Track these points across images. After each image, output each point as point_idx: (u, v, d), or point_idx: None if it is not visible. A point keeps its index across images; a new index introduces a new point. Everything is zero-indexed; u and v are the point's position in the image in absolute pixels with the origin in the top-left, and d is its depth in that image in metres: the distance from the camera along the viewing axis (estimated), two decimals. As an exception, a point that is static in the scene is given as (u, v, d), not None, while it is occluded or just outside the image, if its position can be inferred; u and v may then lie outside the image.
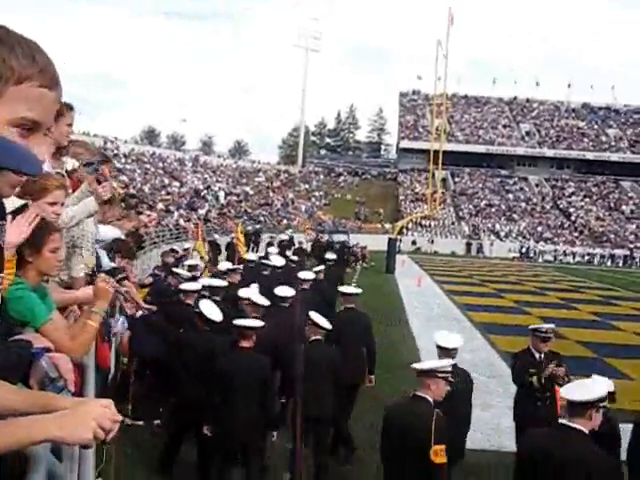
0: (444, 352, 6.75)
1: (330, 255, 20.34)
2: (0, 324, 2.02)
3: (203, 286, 9.63)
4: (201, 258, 16.90)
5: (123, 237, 6.77)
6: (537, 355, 7.75)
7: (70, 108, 4.17)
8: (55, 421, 1.59)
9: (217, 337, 7.70)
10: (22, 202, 3.09)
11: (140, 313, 8.44)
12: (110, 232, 6.44)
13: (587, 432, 4.51)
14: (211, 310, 7.68)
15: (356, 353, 9.00)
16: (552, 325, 8.06)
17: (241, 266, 14.66)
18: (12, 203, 3.08)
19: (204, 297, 8.84)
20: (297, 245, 33.22)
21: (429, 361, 5.76)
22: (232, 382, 6.77)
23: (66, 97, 4.30)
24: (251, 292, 9.25)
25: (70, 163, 4.25)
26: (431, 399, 5.27)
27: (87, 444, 1.61)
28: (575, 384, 4.98)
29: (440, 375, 5.34)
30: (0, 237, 1.28)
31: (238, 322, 7.11)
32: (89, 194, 4.24)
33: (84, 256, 4.55)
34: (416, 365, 5.57)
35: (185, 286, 9.36)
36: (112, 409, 1.70)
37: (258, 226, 45.19)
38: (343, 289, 9.99)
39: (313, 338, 7.54)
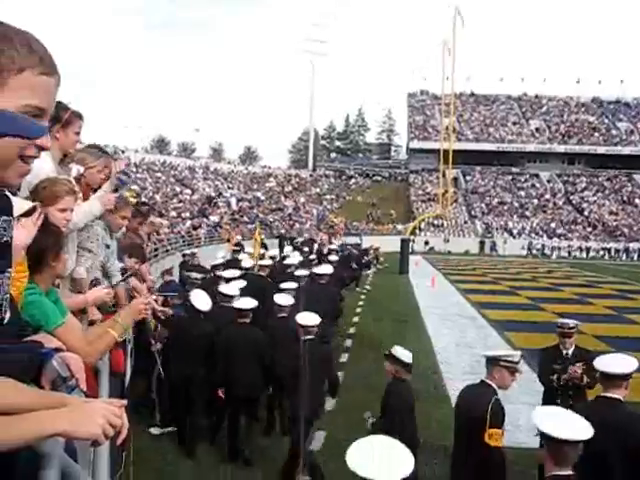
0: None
1: (332, 257, 20.19)
2: (12, 325, 2.05)
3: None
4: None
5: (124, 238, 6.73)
6: (564, 352, 7.64)
7: (79, 116, 4.20)
8: (64, 416, 1.61)
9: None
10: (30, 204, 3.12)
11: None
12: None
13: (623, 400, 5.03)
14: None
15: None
16: (573, 321, 7.85)
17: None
18: (21, 206, 3.11)
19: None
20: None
21: (498, 350, 6.21)
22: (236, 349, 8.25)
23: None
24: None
25: (75, 169, 4.27)
26: (495, 386, 5.58)
27: (96, 440, 1.63)
28: (610, 357, 5.37)
29: (502, 364, 5.58)
30: (8, 233, 1.31)
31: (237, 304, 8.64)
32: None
33: (89, 258, 4.56)
34: (486, 352, 5.99)
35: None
36: (121, 409, 1.72)
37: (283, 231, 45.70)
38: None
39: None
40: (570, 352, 7.58)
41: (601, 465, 4.78)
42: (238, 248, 19.31)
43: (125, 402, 1.83)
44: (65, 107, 4.15)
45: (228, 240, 28.19)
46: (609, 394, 5.08)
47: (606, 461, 4.82)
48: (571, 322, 7.76)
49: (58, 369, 2.03)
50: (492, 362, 5.66)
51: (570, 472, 3.84)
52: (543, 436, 3.93)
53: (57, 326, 2.91)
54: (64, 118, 4.09)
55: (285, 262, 16.54)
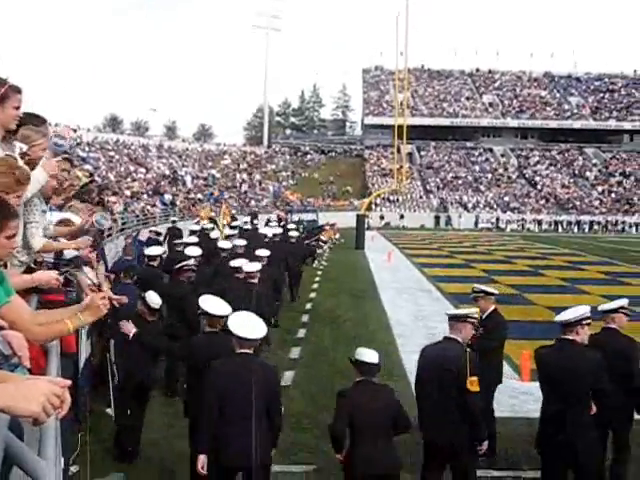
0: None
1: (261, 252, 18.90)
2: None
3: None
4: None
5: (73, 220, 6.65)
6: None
7: (17, 90, 4.06)
8: (3, 391, 1.59)
9: None
10: None
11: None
12: (71, 217, 6.35)
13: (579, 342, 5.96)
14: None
15: None
16: (484, 287, 8.66)
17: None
18: None
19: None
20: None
21: (461, 309, 6.70)
22: None
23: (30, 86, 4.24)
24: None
25: (18, 147, 4.17)
26: (461, 340, 6.18)
27: (37, 418, 1.61)
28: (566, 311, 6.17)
29: (469, 320, 6.26)
30: None
31: None
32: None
33: (36, 227, 4.48)
34: (449, 311, 6.57)
35: None
36: (62, 388, 1.70)
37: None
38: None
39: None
40: (484, 316, 8.01)
41: None
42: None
43: (68, 382, 1.81)
44: (2, 82, 4.01)
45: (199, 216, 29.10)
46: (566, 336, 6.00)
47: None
48: (482, 287, 8.53)
49: (0, 347, 2.00)
50: (460, 319, 6.25)
51: None
52: None
53: (1, 305, 2.86)
54: (0, 93, 3.96)
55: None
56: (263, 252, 13.27)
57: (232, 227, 20.51)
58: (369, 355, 5.94)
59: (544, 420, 6.21)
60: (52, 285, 4.00)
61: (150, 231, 19.33)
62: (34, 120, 4.62)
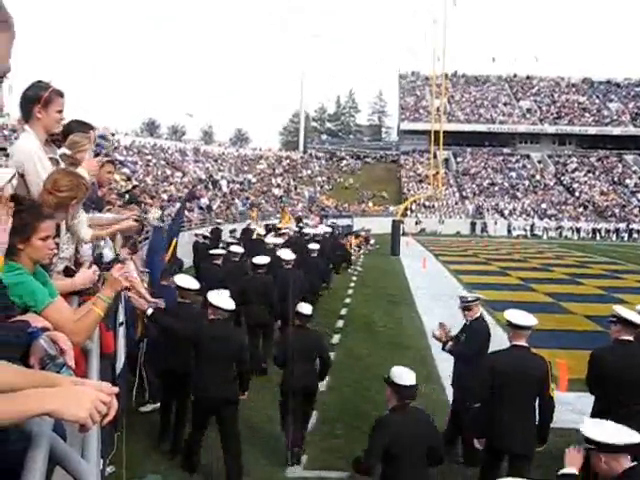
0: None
1: (313, 246, 18.41)
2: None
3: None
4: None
5: None
6: (464, 320, 8.36)
7: (60, 94, 4.14)
8: (52, 395, 1.61)
9: None
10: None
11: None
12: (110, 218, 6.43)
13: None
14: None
15: None
16: (473, 295, 8.64)
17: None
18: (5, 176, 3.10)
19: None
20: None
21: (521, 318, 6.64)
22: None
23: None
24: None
25: (61, 150, 4.24)
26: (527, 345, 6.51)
27: (83, 424, 1.63)
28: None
29: (532, 329, 6.55)
30: None
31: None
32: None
33: (81, 222, 4.51)
34: (515, 321, 6.55)
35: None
36: (109, 394, 1.72)
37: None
38: None
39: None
40: (467, 322, 8.20)
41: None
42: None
43: (116, 390, 1.83)
44: (45, 86, 4.11)
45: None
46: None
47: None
48: (470, 296, 8.44)
49: (46, 347, 2.02)
50: (527, 328, 6.47)
51: None
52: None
53: (45, 306, 2.90)
54: (44, 97, 4.05)
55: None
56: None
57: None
58: (407, 377, 5.56)
59: None
60: (92, 281, 4.04)
61: (196, 235, 20.09)
62: (82, 127, 4.70)
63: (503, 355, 6.63)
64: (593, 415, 6.58)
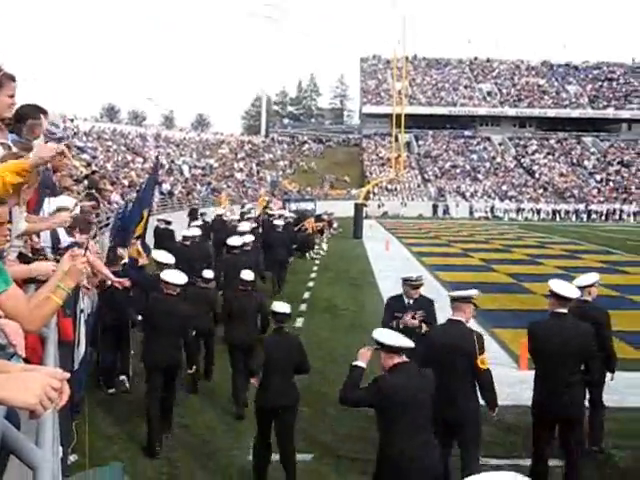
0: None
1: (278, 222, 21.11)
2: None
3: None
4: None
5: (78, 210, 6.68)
6: (406, 301, 8.42)
7: (11, 79, 4.04)
8: (1, 382, 1.58)
9: None
10: None
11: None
12: (66, 201, 6.36)
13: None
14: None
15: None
16: (418, 275, 8.99)
17: None
18: None
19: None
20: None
21: (462, 291, 6.87)
22: None
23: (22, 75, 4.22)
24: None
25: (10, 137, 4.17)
26: (464, 320, 6.52)
27: (33, 410, 1.61)
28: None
29: (472, 301, 6.60)
30: None
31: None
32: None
33: (20, 212, 4.43)
34: (453, 293, 6.83)
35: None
36: (61, 380, 1.70)
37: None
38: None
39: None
40: (412, 301, 8.35)
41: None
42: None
43: (67, 375, 1.81)
44: None
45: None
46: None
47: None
48: (415, 275, 8.78)
49: (-4, 336, 1.99)
50: (464, 300, 6.56)
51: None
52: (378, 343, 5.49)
53: (-1, 294, 2.84)
54: None
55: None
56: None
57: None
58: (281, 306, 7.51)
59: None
60: (49, 276, 3.99)
61: (158, 220, 19.60)
62: (36, 111, 4.61)
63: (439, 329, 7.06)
64: (535, 385, 6.82)
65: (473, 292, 6.75)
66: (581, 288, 7.50)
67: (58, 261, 4.92)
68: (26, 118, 4.70)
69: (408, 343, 5.49)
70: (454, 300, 6.66)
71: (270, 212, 26.37)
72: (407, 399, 5.29)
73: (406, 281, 8.54)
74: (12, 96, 4.06)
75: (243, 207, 30.24)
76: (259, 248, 17.23)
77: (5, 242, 3.27)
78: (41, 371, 1.81)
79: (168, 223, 19.06)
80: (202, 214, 23.43)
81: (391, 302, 8.73)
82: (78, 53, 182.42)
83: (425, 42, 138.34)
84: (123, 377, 10.18)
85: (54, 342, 3.42)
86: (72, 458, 6.72)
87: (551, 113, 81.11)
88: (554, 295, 6.78)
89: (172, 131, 76.66)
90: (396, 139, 56.12)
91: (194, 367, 9.02)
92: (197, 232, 15.75)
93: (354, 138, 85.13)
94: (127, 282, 8.95)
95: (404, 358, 5.49)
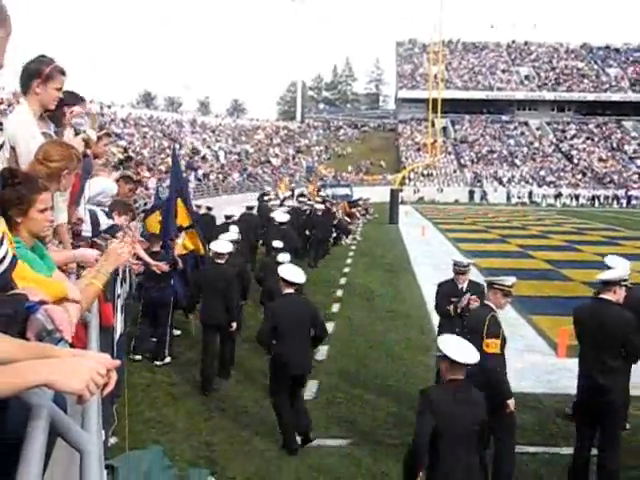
0: None
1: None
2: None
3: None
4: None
5: (115, 190, 6.74)
6: (459, 286, 8.65)
7: (62, 72, 4.08)
8: (49, 367, 1.61)
9: None
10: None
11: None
12: (103, 182, 6.40)
13: (614, 301, 6.45)
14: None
15: None
16: (467, 260, 9.22)
17: None
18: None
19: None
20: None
21: (496, 277, 6.88)
22: None
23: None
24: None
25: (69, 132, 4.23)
26: (492, 305, 6.60)
27: (81, 396, 1.63)
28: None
29: (495, 287, 6.61)
30: None
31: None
32: None
33: (63, 202, 4.47)
34: (487, 278, 6.95)
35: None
36: (108, 366, 1.72)
37: None
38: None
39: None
40: (464, 286, 8.60)
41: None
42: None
43: (118, 363, 1.83)
44: (49, 61, 4.03)
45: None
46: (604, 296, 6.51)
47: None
48: (465, 261, 8.94)
49: (43, 322, 2.02)
50: (488, 286, 6.74)
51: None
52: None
53: (44, 279, 2.89)
54: (45, 73, 3.98)
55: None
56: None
57: None
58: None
59: None
60: (91, 265, 4.03)
61: (198, 206, 19.89)
62: (73, 98, 4.65)
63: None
64: (579, 370, 6.73)
65: (502, 278, 6.74)
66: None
67: (96, 244, 5.00)
68: (63, 105, 4.74)
69: (473, 359, 5.09)
70: (487, 285, 6.84)
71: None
72: (451, 422, 5.00)
73: (454, 265, 8.76)
74: (59, 89, 4.11)
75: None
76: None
77: (49, 228, 3.31)
78: (91, 357, 1.84)
79: (209, 209, 19.31)
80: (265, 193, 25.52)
81: (444, 287, 8.85)
82: (115, 40, 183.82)
83: (462, 25, 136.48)
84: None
85: (96, 327, 3.47)
86: (112, 441, 6.82)
87: (590, 97, 79.78)
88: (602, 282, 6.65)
89: (208, 117, 76.95)
90: (432, 124, 55.80)
91: (234, 324, 9.76)
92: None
93: (390, 123, 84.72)
94: (165, 267, 9.16)
95: (460, 376, 5.09)
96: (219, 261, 9.75)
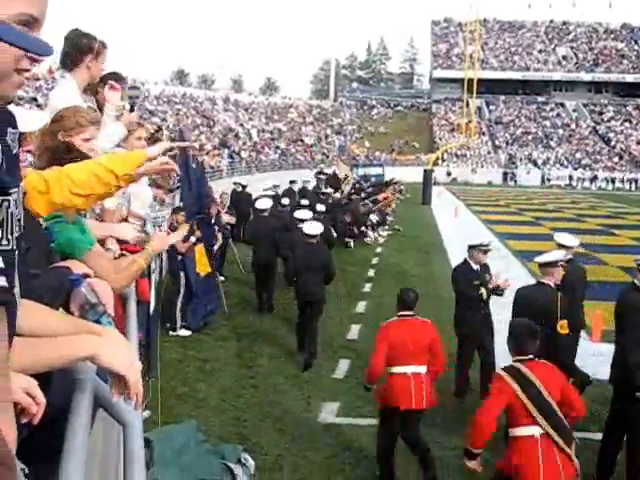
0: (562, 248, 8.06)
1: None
2: (41, 251, 2.05)
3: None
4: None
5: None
6: (474, 267, 8.59)
7: (105, 47, 4.22)
8: (97, 341, 1.63)
9: None
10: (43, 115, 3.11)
11: None
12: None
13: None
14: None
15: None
16: (488, 240, 9.51)
17: None
18: (40, 119, 3.09)
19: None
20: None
21: (548, 254, 7.10)
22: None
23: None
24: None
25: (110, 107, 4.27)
26: (552, 284, 6.68)
27: (120, 374, 1.65)
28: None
29: (560, 264, 6.80)
30: (16, 145, 1.25)
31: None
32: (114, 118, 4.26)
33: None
34: (539, 258, 7.02)
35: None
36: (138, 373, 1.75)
37: None
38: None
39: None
40: (479, 267, 8.58)
41: None
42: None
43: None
44: (94, 37, 4.18)
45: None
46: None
47: None
48: (486, 241, 9.10)
49: (87, 295, 2.03)
50: (552, 265, 6.77)
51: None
52: None
53: (84, 252, 2.91)
54: (96, 48, 4.13)
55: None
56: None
57: None
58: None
59: None
60: (130, 241, 4.06)
61: (235, 183, 20.47)
62: (114, 77, 4.69)
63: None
64: (615, 355, 6.52)
65: (561, 254, 6.93)
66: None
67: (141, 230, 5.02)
68: (104, 82, 4.78)
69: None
70: (542, 266, 6.89)
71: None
72: None
73: (477, 247, 8.63)
74: (103, 63, 4.25)
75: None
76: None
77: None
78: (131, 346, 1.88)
79: (244, 187, 19.47)
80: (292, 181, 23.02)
81: (461, 271, 8.74)
82: (150, 18, 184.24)
83: (499, 4, 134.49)
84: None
85: (134, 301, 3.50)
86: (145, 414, 6.90)
87: (630, 78, 78.28)
88: None
89: (241, 95, 76.94)
90: (467, 104, 55.30)
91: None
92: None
93: (424, 103, 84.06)
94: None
95: None
96: (311, 241, 10.26)
